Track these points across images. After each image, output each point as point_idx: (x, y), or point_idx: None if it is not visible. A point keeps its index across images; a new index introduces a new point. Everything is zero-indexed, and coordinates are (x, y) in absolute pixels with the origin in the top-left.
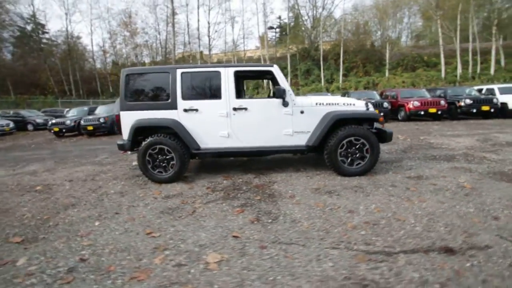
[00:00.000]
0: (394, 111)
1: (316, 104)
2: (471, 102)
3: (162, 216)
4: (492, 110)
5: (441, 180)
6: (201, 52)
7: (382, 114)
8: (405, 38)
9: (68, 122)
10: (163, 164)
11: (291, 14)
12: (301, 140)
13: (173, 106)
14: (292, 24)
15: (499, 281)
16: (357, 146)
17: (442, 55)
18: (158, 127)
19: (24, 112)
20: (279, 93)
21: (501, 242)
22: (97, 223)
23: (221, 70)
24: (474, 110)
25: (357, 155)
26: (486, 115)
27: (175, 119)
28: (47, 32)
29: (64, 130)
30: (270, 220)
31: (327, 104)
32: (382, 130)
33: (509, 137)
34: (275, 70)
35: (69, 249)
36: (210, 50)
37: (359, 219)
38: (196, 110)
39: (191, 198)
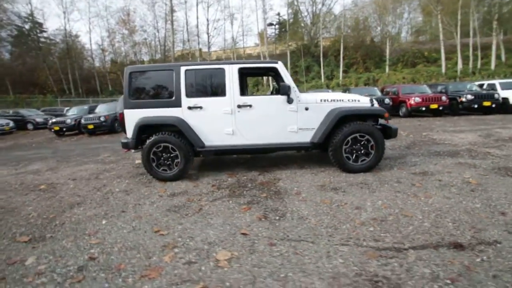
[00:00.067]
0: (395, 107)
1: (321, 100)
2: (473, 97)
3: (169, 214)
4: (493, 105)
5: (446, 176)
6: (200, 50)
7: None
8: (405, 34)
9: (68, 121)
10: (168, 162)
11: (290, 11)
12: (306, 137)
13: (177, 104)
14: (291, 20)
15: (510, 277)
16: (362, 143)
17: (442, 51)
18: (162, 125)
19: (24, 111)
20: (284, 90)
21: (509, 238)
22: (104, 222)
23: (225, 67)
24: (476, 106)
25: (362, 152)
26: (487, 111)
27: (179, 117)
28: (45, 31)
29: (64, 129)
30: (277, 217)
31: (331, 100)
32: (387, 126)
33: None
34: (280, 66)
35: (77, 248)
36: (209, 47)
37: (366, 216)
38: (201, 107)
39: (197, 196)
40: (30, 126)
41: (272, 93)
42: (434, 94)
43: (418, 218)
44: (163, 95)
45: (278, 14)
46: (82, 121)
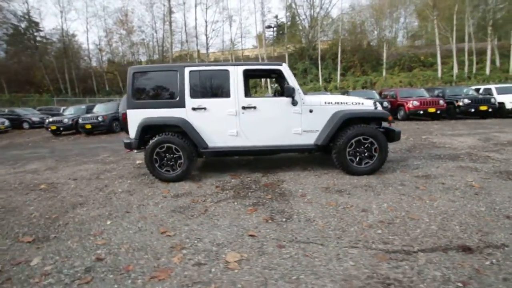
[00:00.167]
0: (393, 111)
1: (325, 103)
2: (470, 102)
3: (174, 215)
4: (490, 110)
5: (449, 179)
6: (198, 51)
7: None
8: (401, 38)
9: (65, 120)
10: (171, 163)
11: (288, 14)
12: (310, 139)
13: (181, 105)
14: (289, 23)
15: None
16: (366, 145)
17: (438, 55)
18: (166, 126)
19: (20, 110)
20: (289, 92)
21: None
22: (109, 222)
23: (230, 68)
24: (473, 110)
25: (366, 154)
26: (484, 115)
27: (183, 118)
28: (41, 30)
29: (61, 129)
30: (284, 219)
31: (336, 103)
32: (390, 129)
33: (510, 136)
34: (284, 68)
35: (83, 249)
36: (207, 49)
37: (373, 218)
38: (205, 108)
39: (201, 197)
40: (26, 125)
41: (275, 95)
42: (432, 98)
43: (425, 221)
44: (167, 95)
45: (276, 17)
46: (80, 120)
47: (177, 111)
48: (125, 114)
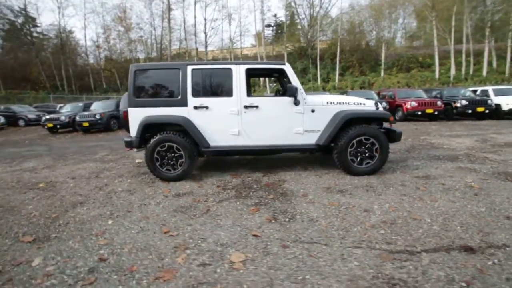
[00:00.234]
0: (391, 111)
1: (327, 103)
2: (467, 103)
3: (177, 215)
4: (486, 111)
5: (449, 180)
6: (196, 49)
7: None
8: (399, 39)
9: (62, 118)
10: (172, 162)
11: (287, 13)
12: (312, 139)
13: (183, 103)
14: (288, 22)
15: None
16: (367, 146)
17: (436, 56)
18: (167, 124)
19: (15, 107)
20: (291, 92)
21: None
22: (110, 222)
23: (233, 67)
24: (470, 111)
25: (367, 155)
26: (480, 116)
27: (185, 117)
28: (38, 26)
29: (58, 126)
30: (287, 219)
31: (337, 103)
32: (391, 130)
33: (507, 138)
34: (287, 68)
35: (85, 249)
36: (206, 47)
37: (376, 218)
38: (207, 107)
39: (203, 196)
40: (21, 123)
41: (276, 94)
42: (430, 99)
43: (427, 221)
44: (169, 94)
45: (275, 15)
46: (77, 118)
47: (179, 109)
48: (126, 112)
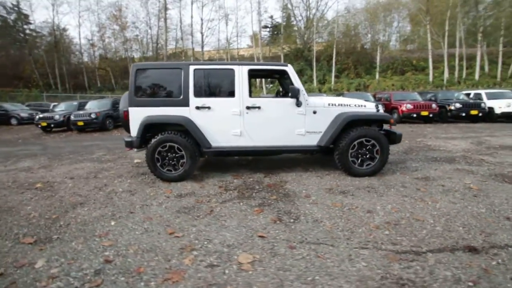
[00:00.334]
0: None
1: (329, 104)
2: (461, 106)
3: (180, 216)
4: (480, 114)
5: (448, 181)
6: (193, 49)
7: None
8: (394, 42)
9: (57, 117)
10: (173, 163)
11: (284, 14)
12: (313, 140)
13: (185, 103)
14: (284, 23)
15: None
16: (368, 147)
17: (430, 60)
18: (168, 125)
19: (7, 106)
20: (294, 93)
21: None
22: (113, 223)
23: (235, 67)
24: (464, 114)
25: (367, 156)
26: (474, 119)
27: (186, 117)
28: (31, 23)
29: (52, 125)
30: (292, 220)
31: (339, 105)
32: (391, 132)
33: (501, 140)
34: (290, 69)
35: (89, 250)
36: (202, 47)
37: (379, 219)
38: (209, 107)
39: (205, 197)
40: (14, 121)
41: (277, 96)
42: (425, 102)
43: (430, 222)
44: (170, 93)
45: (271, 17)
46: (72, 117)
47: (180, 109)
48: (126, 112)
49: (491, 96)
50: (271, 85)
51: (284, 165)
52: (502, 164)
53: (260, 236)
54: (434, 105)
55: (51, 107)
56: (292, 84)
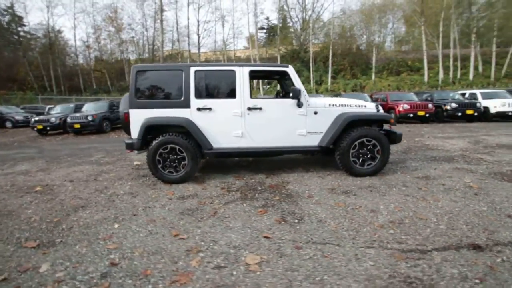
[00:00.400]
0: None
1: (330, 105)
2: (457, 106)
3: (184, 218)
4: (475, 114)
5: (448, 180)
6: (189, 51)
7: None
8: (389, 43)
9: (53, 119)
10: (174, 164)
11: (280, 16)
12: (314, 141)
13: (186, 105)
14: (280, 25)
15: None
16: (369, 147)
17: (425, 61)
18: (169, 126)
19: (2, 108)
20: (295, 94)
21: None
22: (116, 226)
23: (236, 69)
24: (459, 114)
25: (368, 156)
26: (469, 119)
27: (187, 118)
28: (25, 25)
29: (48, 128)
30: (296, 221)
31: (340, 105)
32: (391, 132)
33: (497, 139)
34: (290, 70)
35: (94, 253)
36: (199, 48)
37: (383, 219)
38: (210, 109)
39: (208, 198)
40: (8, 124)
41: (277, 96)
42: (421, 102)
43: (433, 220)
44: (171, 95)
45: (267, 18)
46: (68, 120)
47: (181, 111)
48: (127, 114)
49: (486, 96)
50: (267, 87)
51: (285, 166)
52: (500, 163)
53: (265, 237)
54: (430, 105)
55: (46, 110)
56: (293, 85)
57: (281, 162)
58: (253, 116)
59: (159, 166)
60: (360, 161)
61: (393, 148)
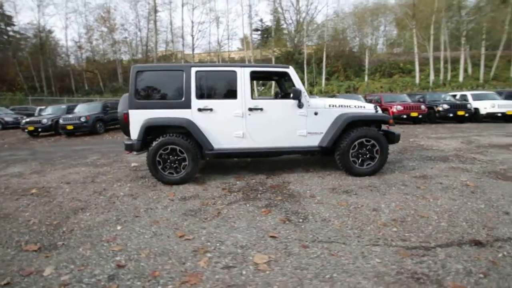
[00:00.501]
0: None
1: (330, 106)
2: (448, 107)
3: (187, 219)
4: (466, 115)
5: (445, 179)
6: (183, 52)
7: None
8: (381, 46)
9: (44, 120)
10: (175, 165)
11: (274, 17)
12: (314, 141)
13: (187, 105)
14: (274, 27)
15: None
16: (368, 147)
17: (417, 63)
18: (170, 127)
19: None
20: (296, 94)
21: None
22: (119, 227)
23: (237, 69)
24: (451, 115)
25: (367, 156)
26: (461, 119)
27: (188, 119)
28: (14, 25)
29: (40, 130)
30: (300, 220)
31: (339, 106)
32: (389, 132)
33: (488, 139)
34: (291, 71)
35: (99, 255)
36: (193, 49)
37: (386, 217)
38: (211, 109)
39: (210, 199)
40: None
41: (276, 97)
42: (414, 103)
43: (434, 218)
44: (172, 96)
45: (261, 20)
46: (61, 121)
47: (182, 111)
48: (126, 114)
49: (476, 98)
50: (262, 88)
51: (285, 166)
52: (493, 162)
53: (271, 237)
54: (423, 106)
55: (37, 111)
56: (293, 85)
57: (281, 163)
58: (254, 117)
59: (159, 167)
60: (359, 161)
61: (390, 148)
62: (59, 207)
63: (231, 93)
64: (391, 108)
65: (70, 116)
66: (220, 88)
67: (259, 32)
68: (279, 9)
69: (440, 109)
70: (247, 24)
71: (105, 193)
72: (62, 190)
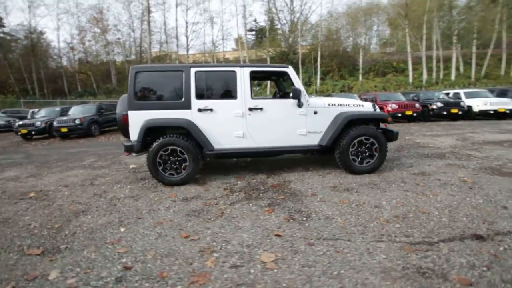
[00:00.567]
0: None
1: (329, 105)
2: (442, 105)
3: (191, 219)
4: (460, 112)
5: (443, 176)
6: (177, 52)
7: None
8: (374, 45)
9: (38, 123)
10: (175, 166)
11: (268, 18)
12: (314, 140)
13: (187, 106)
14: (268, 27)
15: None
16: (367, 146)
17: (410, 62)
18: (170, 128)
19: None
20: (295, 94)
21: None
22: (122, 229)
23: (237, 69)
24: (445, 113)
25: (367, 154)
26: (454, 117)
27: (188, 119)
28: (4, 26)
29: (33, 132)
30: (304, 218)
31: (338, 105)
32: (388, 130)
33: (482, 136)
34: (290, 71)
35: (104, 258)
36: (187, 50)
37: (388, 214)
38: (211, 110)
39: (212, 200)
40: None
41: (274, 97)
42: (409, 102)
43: (435, 214)
44: (172, 96)
45: (255, 20)
46: (55, 124)
47: (182, 112)
48: (126, 116)
49: (469, 96)
50: (258, 88)
51: (285, 165)
52: (489, 158)
53: (277, 235)
54: (417, 105)
55: (29, 114)
56: (293, 85)
57: (281, 162)
58: (254, 117)
59: (160, 168)
60: (359, 159)
61: (387, 146)
62: (59, 210)
63: (231, 93)
64: (386, 106)
65: (64, 118)
66: (220, 88)
67: (254, 33)
68: (273, 9)
69: (434, 107)
70: (241, 25)
71: (105, 195)
72: (61, 193)
